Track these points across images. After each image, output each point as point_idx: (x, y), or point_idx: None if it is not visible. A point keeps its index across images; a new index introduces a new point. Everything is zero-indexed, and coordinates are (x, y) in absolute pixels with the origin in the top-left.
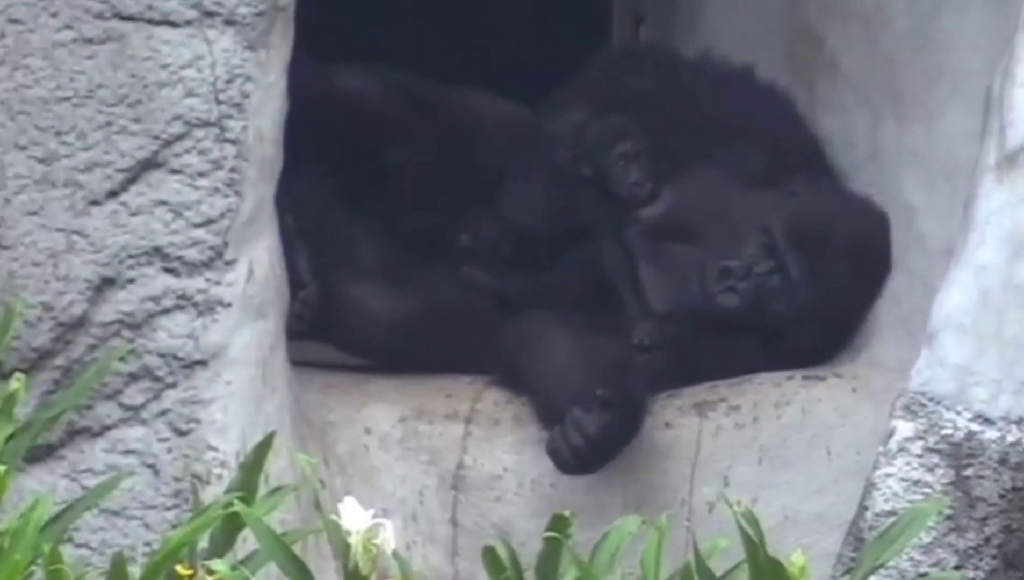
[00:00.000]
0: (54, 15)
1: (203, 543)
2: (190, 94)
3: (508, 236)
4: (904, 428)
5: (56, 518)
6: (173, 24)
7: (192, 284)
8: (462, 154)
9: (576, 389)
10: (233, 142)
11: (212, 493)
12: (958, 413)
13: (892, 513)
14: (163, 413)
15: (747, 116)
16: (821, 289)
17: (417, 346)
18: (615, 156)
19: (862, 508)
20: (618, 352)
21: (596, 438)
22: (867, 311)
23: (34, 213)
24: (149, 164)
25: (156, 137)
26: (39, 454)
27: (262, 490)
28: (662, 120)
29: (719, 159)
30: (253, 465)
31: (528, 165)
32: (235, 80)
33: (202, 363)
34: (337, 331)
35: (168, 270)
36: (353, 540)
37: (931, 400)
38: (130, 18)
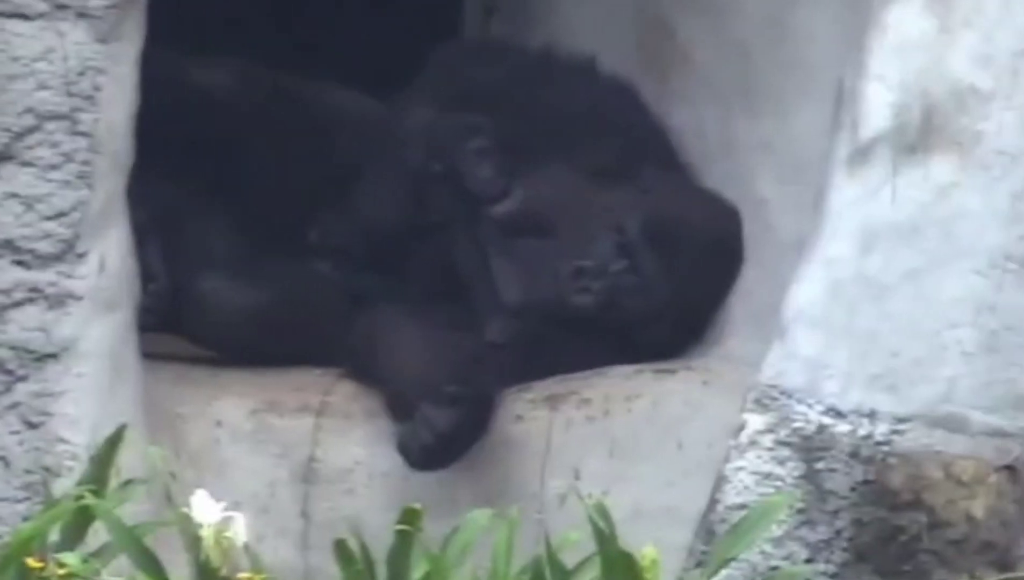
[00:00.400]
0: None
1: (54, 536)
2: (42, 87)
3: (359, 233)
4: (755, 421)
5: None
6: (25, 17)
7: (43, 277)
8: (318, 149)
9: (427, 384)
10: (85, 135)
11: (63, 486)
12: (809, 406)
13: (743, 506)
14: (14, 406)
15: (595, 109)
16: (675, 286)
17: (269, 341)
18: (467, 152)
19: (713, 501)
20: (470, 347)
21: (446, 435)
22: (720, 305)
23: None
24: (0, 157)
25: (7, 130)
26: None
27: (113, 483)
28: (511, 115)
29: (569, 154)
30: (104, 458)
31: (381, 162)
32: (87, 73)
33: (53, 356)
34: (189, 324)
35: (19, 263)
36: (204, 533)
37: (782, 393)
38: None
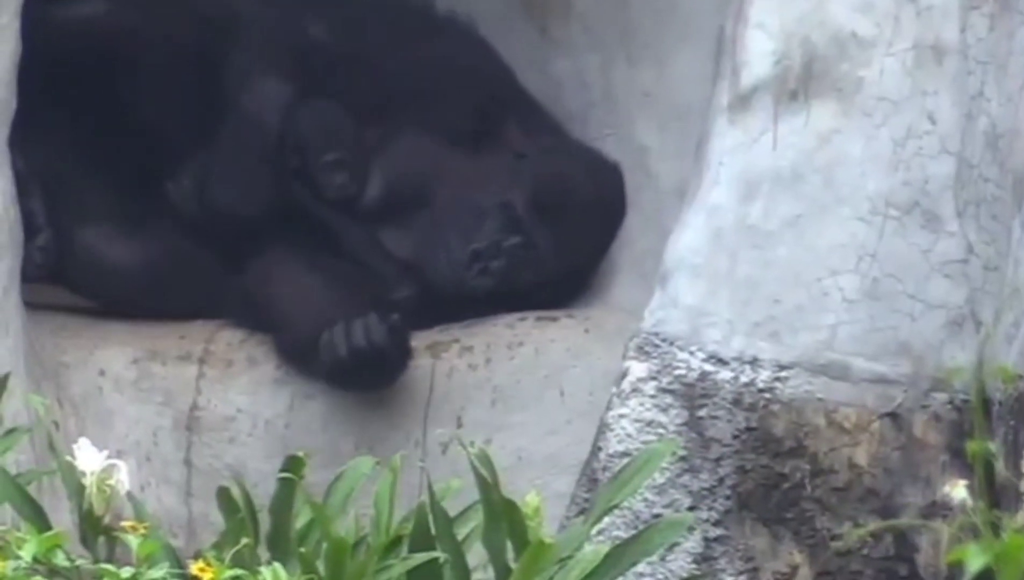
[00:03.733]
0: None
1: None
2: None
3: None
4: (637, 369)
5: None
6: None
7: None
8: (210, 57)
9: (334, 318)
10: None
11: None
12: (691, 354)
13: (626, 454)
14: None
15: (443, 63)
16: (566, 252)
17: (151, 293)
18: (323, 163)
19: (596, 449)
20: (376, 290)
21: (380, 344)
22: (604, 258)
23: None
24: None
25: None
26: None
27: None
28: (354, 75)
29: (422, 117)
30: None
31: (236, 136)
32: None
33: None
34: (71, 276)
35: None
36: (87, 481)
37: (664, 341)
38: None
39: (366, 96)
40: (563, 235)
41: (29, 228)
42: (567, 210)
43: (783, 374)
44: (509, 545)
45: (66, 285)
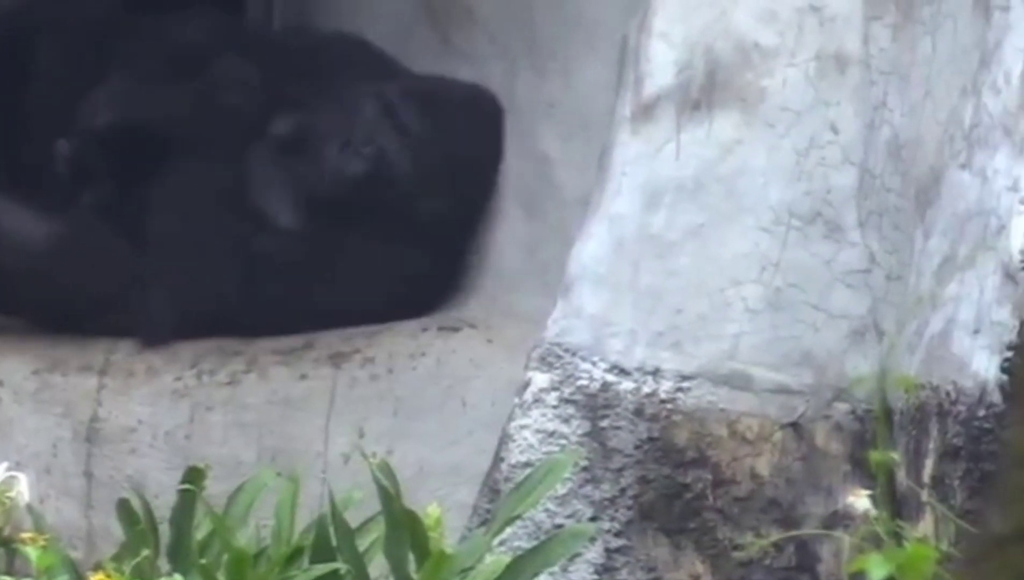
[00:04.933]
0: None
1: None
2: None
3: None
4: (540, 379)
5: None
6: None
7: None
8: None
9: None
10: None
11: None
12: (594, 364)
13: (528, 464)
14: None
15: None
16: (442, 146)
17: (59, 275)
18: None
19: (498, 459)
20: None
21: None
22: (491, 182)
23: None
24: None
25: None
26: None
27: None
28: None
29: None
30: None
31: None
32: None
33: None
34: None
35: None
36: None
37: (567, 351)
38: None
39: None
40: (439, 127)
41: None
42: (439, 101)
43: (685, 384)
44: (411, 556)
45: None
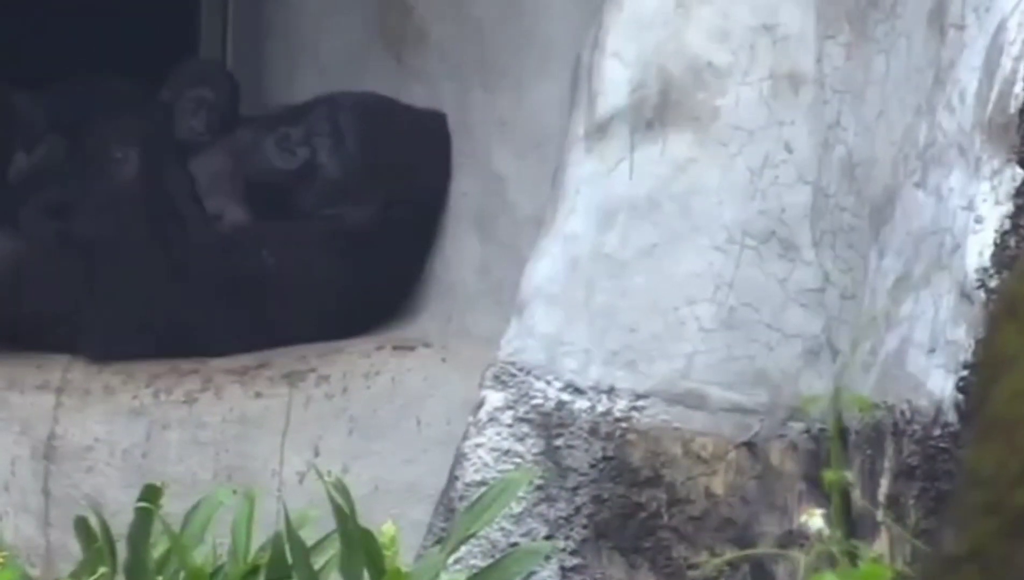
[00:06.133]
0: None
1: None
2: None
3: None
4: (494, 398)
5: None
6: None
7: None
8: None
9: None
10: None
11: None
12: (548, 383)
13: (483, 483)
14: None
15: None
16: (376, 160)
17: (23, 292)
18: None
19: (452, 478)
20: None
21: None
22: (434, 203)
23: None
24: None
25: None
26: None
27: None
28: None
29: None
30: None
31: None
32: None
33: None
34: None
35: None
36: None
37: (521, 370)
38: None
39: None
40: (376, 141)
41: None
42: (385, 121)
43: (640, 403)
44: (366, 574)
45: None
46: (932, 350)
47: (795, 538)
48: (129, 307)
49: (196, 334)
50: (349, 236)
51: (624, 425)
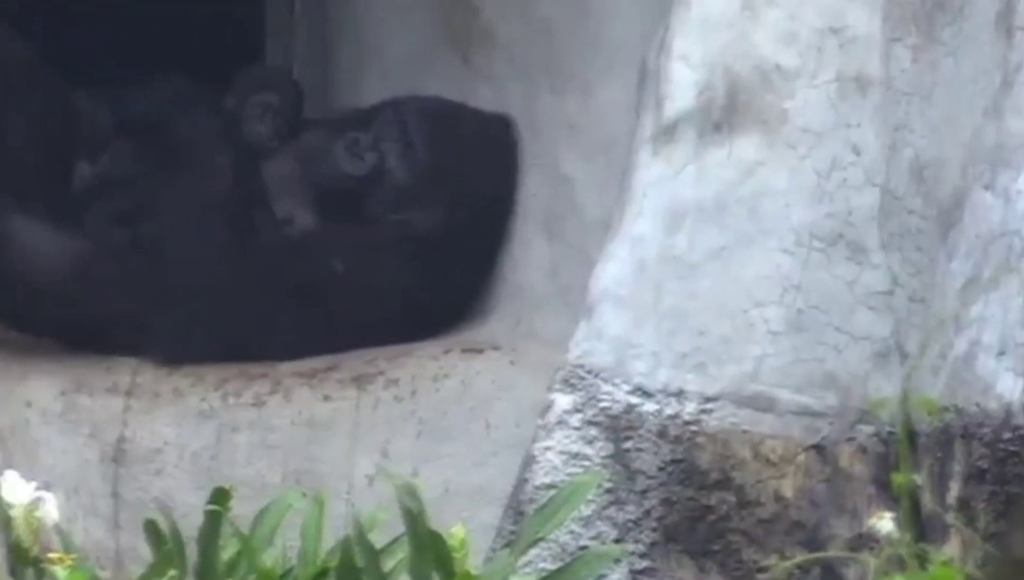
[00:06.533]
0: None
1: None
2: None
3: None
4: (563, 401)
5: None
6: None
7: None
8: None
9: None
10: None
11: None
12: (616, 386)
13: (552, 486)
14: None
15: None
16: (444, 166)
17: (83, 290)
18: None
19: (522, 481)
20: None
21: None
22: (501, 208)
23: None
24: None
25: None
26: None
27: None
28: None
29: None
30: None
31: None
32: None
33: None
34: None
35: None
36: (15, 514)
37: (589, 373)
38: None
39: None
40: (444, 147)
41: None
42: (453, 124)
43: (709, 406)
44: (435, 577)
45: None
46: (1001, 353)
47: (864, 541)
48: (198, 311)
49: (264, 340)
50: (418, 241)
51: (693, 428)
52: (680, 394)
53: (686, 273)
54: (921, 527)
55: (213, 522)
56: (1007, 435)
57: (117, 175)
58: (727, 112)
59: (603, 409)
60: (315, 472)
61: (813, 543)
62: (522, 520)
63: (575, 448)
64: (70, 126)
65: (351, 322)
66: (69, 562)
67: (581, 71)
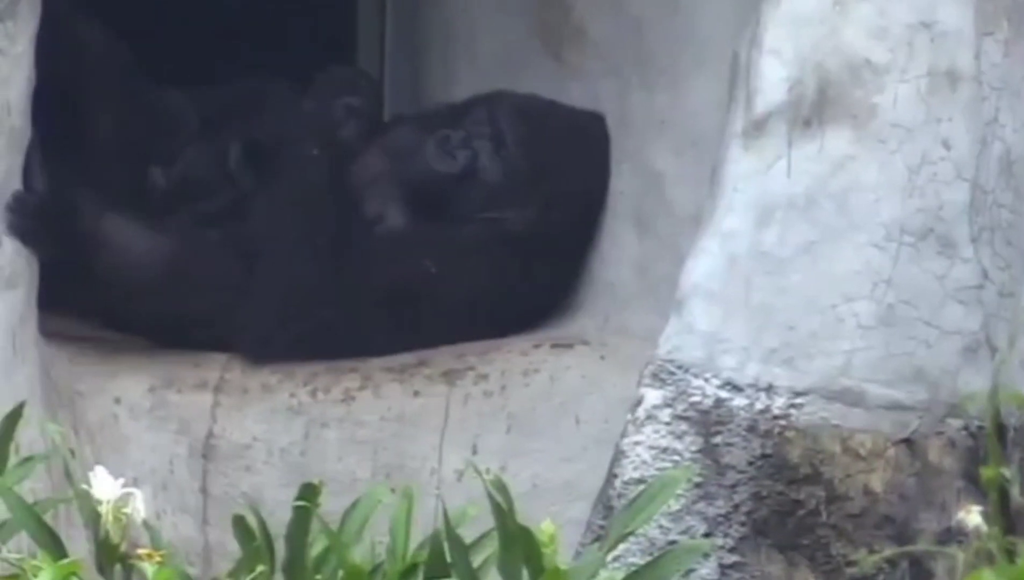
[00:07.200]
0: None
1: None
2: None
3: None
4: (652, 396)
5: None
6: None
7: None
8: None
9: None
10: None
11: None
12: (706, 380)
13: (641, 481)
14: None
15: None
16: (537, 163)
17: (174, 291)
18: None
19: (611, 476)
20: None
21: None
22: (594, 204)
23: None
24: None
25: None
26: None
27: (12, 460)
28: None
29: None
30: (3, 435)
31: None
32: None
33: None
34: (93, 269)
35: None
36: (104, 509)
37: (679, 368)
38: None
39: None
40: (537, 144)
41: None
42: (545, 123)
43: (798, 401)
44: (525, 572)
45: (83, 283)
46: None
47: (953, 535)
48: (289, 312)
49: (355, 340)
50: (510, 241)
51: (783, 422)
52: (770, 389)
53: (776, 268)
54: (1010, 521)
55: (302, 518)
56: None
57: (202, 176)
58: (817, 107)
59: (693, 404)
60: (404, 467)
61: (902, 537)
62: (611, 515)
63: (664, 443)
64: (156, 127)
65: (442, 322)
66: (158, 558)
67: (671, 67)
